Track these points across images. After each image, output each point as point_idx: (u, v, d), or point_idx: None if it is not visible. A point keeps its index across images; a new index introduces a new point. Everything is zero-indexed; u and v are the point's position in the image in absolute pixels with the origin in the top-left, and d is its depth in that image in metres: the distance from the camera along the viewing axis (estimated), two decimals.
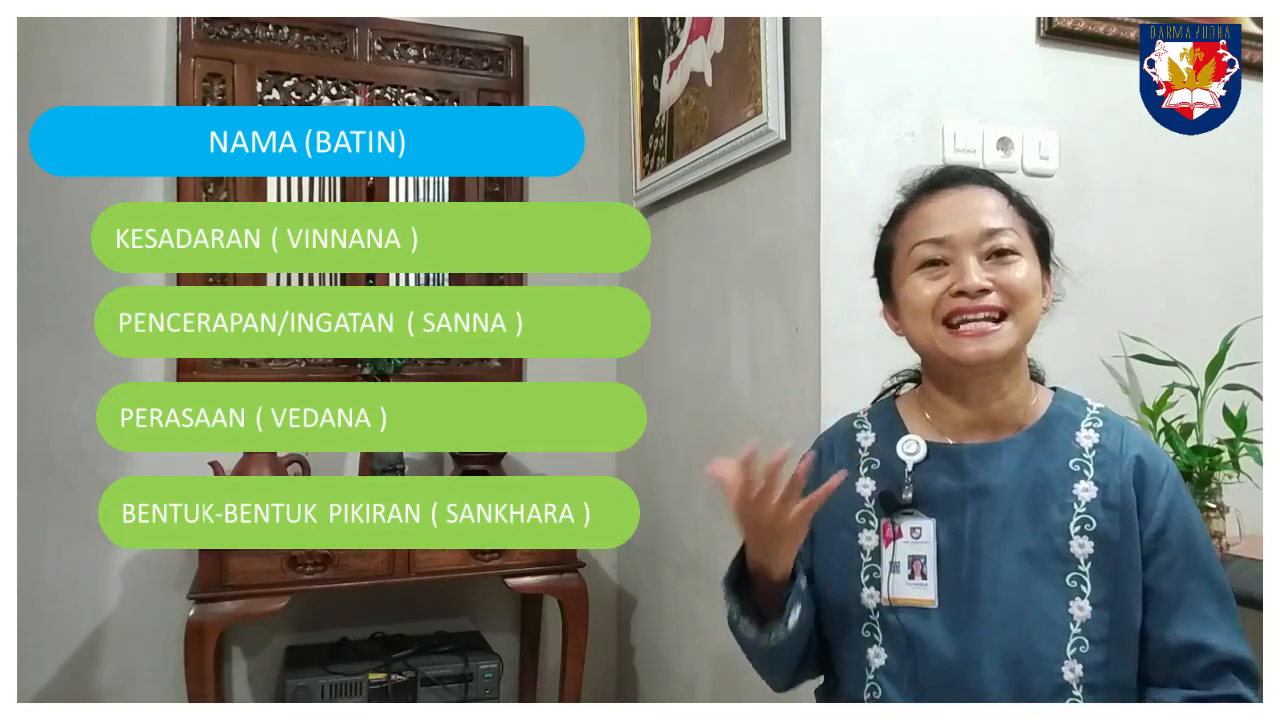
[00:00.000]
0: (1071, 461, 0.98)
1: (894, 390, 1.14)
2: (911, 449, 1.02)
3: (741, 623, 1.01)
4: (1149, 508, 0.96)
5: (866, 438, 1.08)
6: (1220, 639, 0.95)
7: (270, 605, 1.91)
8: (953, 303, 0.96)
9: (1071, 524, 0.96)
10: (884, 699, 0.98)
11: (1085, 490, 0.97)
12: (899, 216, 1.06)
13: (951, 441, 1.02)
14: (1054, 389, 1.06)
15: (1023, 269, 0.97)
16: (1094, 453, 0.98)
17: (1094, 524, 0.95)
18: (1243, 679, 0.95)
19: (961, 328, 0.96)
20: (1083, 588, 0.94)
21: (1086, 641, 0.93)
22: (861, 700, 1.00)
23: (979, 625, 0.95)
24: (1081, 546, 0.95)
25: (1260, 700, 0.94)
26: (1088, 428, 1.00)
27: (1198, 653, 0.94)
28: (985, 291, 0.96)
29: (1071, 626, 0.93)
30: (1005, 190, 1.02)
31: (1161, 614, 0.96)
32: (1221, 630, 0.95)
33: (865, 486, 1.04)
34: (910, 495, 0.99)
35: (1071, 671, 0.92)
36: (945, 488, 0.99)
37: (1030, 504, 0.97)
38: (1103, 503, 0.96)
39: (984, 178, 1.03)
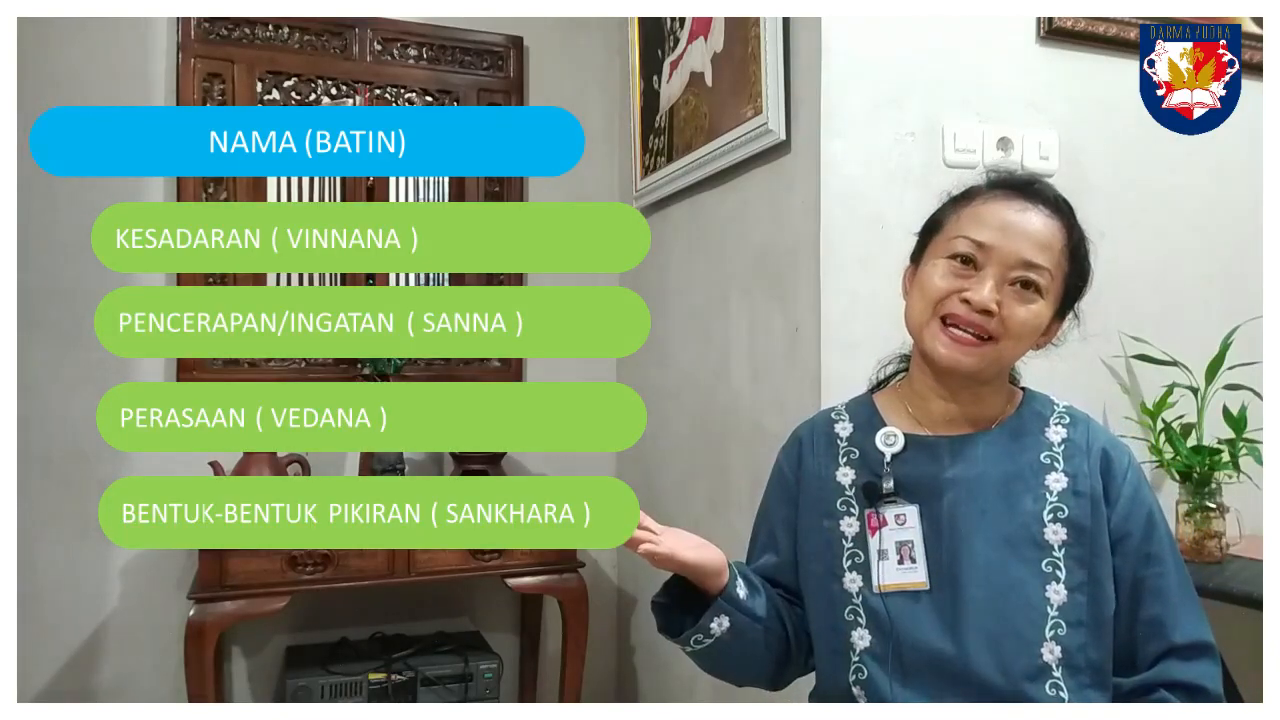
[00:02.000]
0: (1042, 454, 1.03)
1: (877, 385, 1.18)
2: (890, 440, 1.05)
3: (664, 636, 1.08)
4: (1114, 495, 1.01)
5: (845, 428, 1.11)
6: (1187, 621, 0.99)
7: (270, 605, 1.91)
8: (956, 305, 0.99)
9: (1045, 512, 1.00)
10: (869, 680, 1.00)
11: (1056, 481, 1.01)
12: (966, 197, 1.06)
13: (929, 433, 1.06)
14: (1023, 389, 1.11)
15: (1034, 310, 1.00)
16: (1063, 446, 1.03)
17: (1066, 512, 1.00)
18: (1212, 661, 1.00)
19: (949, 329, 1.00)
20: (1058, 573, 0.98)
21: (1064, 624, 0.97)
22: (848, 684, 1.02)
23: (962, 608, 0.98)
24: (1055, 534, 0.99)
25: (1217, 685, 0.99)
26: (1056, 423, 1.05)
27: (1166, 635, 0.99)
28: (988, 313, 0.98)
29: (1049, 610, 0.97)
30: (1070, 230, 1.03)
31: (1129, 598, 1.00)
32: (1186, 612, 1.00)
33: (845, 475, 1.08)
34: (891, 484, 1.03)
35: (1050, 653, 0.96)
36: (923, 476, 1.03)
37: (1005, 494, 1.01)
38: (1073, 492, 1.01)
39: (1059, 207, 1.03)
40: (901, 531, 1.02)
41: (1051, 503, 1.00)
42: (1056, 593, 0.97)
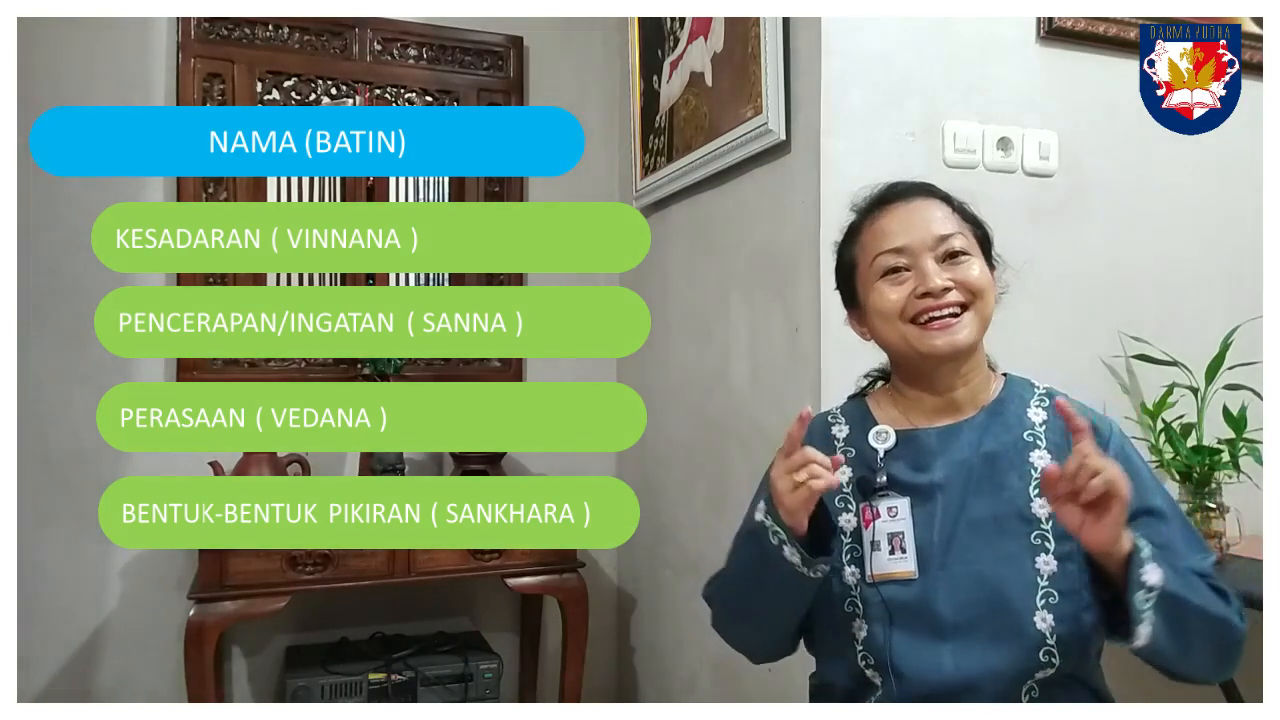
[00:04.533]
0: (1025, 434, 1.08)
1: (864, 389, 1.22)
2: (883, 438, 1.09)
3: (786, 549, 1.00)
4: None
5: (841, 430, 1.15)
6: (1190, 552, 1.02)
7: (270, 605, 1.91)
8: (919, 304, 1.05)
9: (1030, 487, 1.04)
10: (871, 668, 1.03)
11: (1040, 458, 1.05)
12: (854, 232, 1.14)
13: (921, 427, 1.10)
14: (1005, 374, 1.15)
15: (976, 267, 1.07)
16: (1044, 426, 1.08)
17: None
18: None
19: (929, 324, 1.04)
20: (1046, 544, 1.02)
21: (1055, 594, 1.00)
22: (849, 673, 1.05)
23: (956, 586, 1.02)
24: (1042, 507, 1.02)
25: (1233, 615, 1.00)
26: (1036, 405, 1.10)
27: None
28: (947, 290, 1.04)
29: (1039, 580, 1.00)
30: (948, 199, 1.11)
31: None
32: (1178, 538, 1.03)
33: (842, 473, 1.11)
34: (884, 479, 1.07)
35: (1044, 622, 0.99)
36: (915, 468, 1.08)
37: (991, 473, 1.05)
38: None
39: (927, 190, 1.12)
40: (893, 523, 1.05)
41: (1036, 478, 1.04)
42: (1046, 563, 1.01)
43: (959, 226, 1.08)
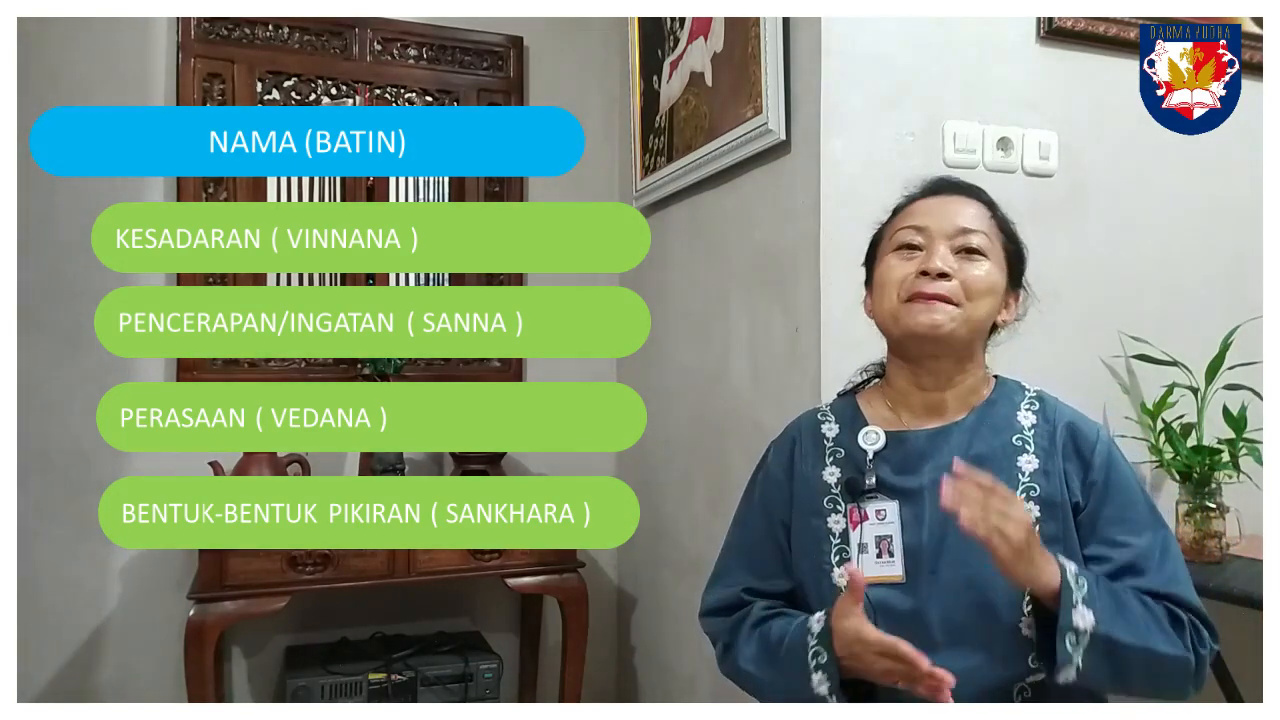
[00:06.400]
0: (1014, 438, 1.07)
1: (856, 386, 1.22)
2: (872, 439, 1.09)
3: (827, 693, 1.01)
4: (1085, 469, 1.05)
5: (830, 429, 1.15)
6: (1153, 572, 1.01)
7: (270, 605, 1.91)
8: (915, 283, 1.05)
9: (1018, 492, 1.03)
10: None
11: (1028, 462, 1.05)
12: (894, 212, 1.15)
13: (910, 428, 1.10)
14: (996, 376, 1.15)
15: (984, 269, 1.06)
16: (1032, 430, 1.08)
17: (1038, 491, 1.04)
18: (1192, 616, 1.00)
19: (913, 300, 1.05)
20: None
21: None
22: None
23: (944, 591, 1.01)
24: (1029, 512, 1.01)
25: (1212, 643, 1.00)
26: (1026, 408, 1.10)
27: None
28: (945, 276, 1.04)
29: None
30: (991, 206, 1.12)
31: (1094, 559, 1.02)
32: (1151, 557, 1.01)
33: (831, 474, 1.11)
34: (873, 481, 1.07)
35: (1029, 628, 0.99)
36: (904, 470, 1.07)
37: None
38: (1044, 472, 1.05)
39: (975, 192, 1.13)
40: (881, 526, 1.05)
41: (1024, 483, 1.04)
42: None
43: (987, 229, 1.08)
